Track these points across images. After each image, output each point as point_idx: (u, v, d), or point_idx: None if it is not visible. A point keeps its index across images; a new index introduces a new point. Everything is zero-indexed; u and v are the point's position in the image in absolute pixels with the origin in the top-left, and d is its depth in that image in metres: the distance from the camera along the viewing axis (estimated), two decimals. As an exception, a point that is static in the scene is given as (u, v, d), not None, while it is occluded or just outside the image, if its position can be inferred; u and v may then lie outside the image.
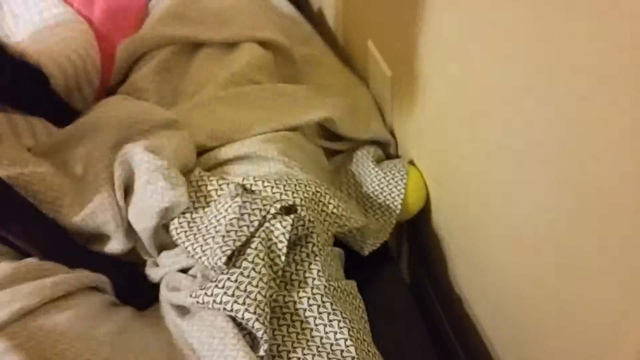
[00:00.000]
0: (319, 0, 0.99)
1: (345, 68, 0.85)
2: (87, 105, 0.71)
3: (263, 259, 0.50)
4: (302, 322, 0.52)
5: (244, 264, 0.49)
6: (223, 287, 0.48)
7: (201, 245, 0.51)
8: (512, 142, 0.47)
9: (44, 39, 0.80)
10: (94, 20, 0.85)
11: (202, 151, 0.61)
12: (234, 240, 0.50)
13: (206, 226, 0.52)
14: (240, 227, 0.50)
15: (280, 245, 0.51)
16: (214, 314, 0.48)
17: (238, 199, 0.52)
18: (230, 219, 0.51)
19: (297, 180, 0.55)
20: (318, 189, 0.56)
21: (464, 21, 0.50)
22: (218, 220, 0.51)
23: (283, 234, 0.51)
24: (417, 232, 0.73)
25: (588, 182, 0.38)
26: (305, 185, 0.55)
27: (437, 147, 0.66)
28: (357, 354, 0.51)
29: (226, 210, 0.52)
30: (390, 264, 0.69)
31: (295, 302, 0.53)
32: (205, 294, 0.48)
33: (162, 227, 0.56)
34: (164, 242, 0.57)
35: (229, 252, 0.50)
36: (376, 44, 0.75)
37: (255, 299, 0.47)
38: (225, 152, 0.59)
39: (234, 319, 0.48)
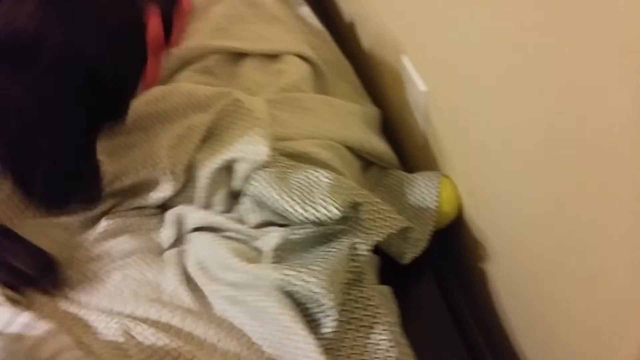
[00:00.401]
0: (350, 14, 1.03)
1: (360, 88, 0.88)
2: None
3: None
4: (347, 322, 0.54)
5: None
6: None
7: (301, 198, 0.54)
8: (549, 156, 0.49)
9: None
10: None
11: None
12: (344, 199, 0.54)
13: (305, 183, 0.54)
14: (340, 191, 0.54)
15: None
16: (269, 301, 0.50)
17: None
18: (330, 183, 0.55)
19: (351, 184, 0.58)
20: (369, 195, 0.59)
21: (500, 36, 0.53)
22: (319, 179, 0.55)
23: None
24: (449, 241, 0.75)
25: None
26: (358, 189, 0.58)
27: (472, 161, 0.68)
28: (398, 356, 0.53)
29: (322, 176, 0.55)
30: (422, 271, 0.71)
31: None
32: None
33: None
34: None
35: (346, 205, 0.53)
36: (411, 60, 0.78)
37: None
38: (281, 148, 0.62)
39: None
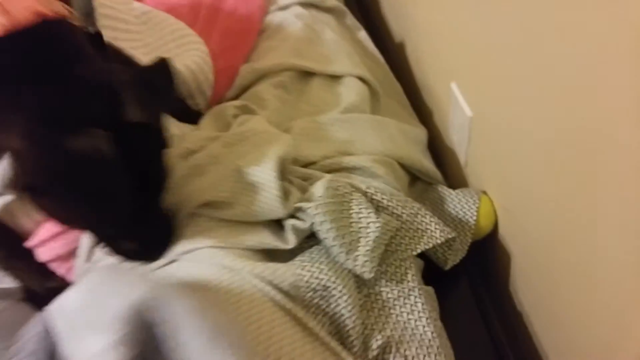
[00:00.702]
0: (401, 35, 1.12)
1: (409, 108, 0.97)
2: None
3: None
4: (389, 308, 0.63)
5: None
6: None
7: (347, 246, 0.63)
8: (583, 179, 0.58)
9: (169, 49, 0.93)
10: (212, 40, 0.99)
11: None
12: (377, 256, 0.63)
13: (356, 228, 0.64)
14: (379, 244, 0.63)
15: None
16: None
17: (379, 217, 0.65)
18: (376, 235, 0.63)
19: (403, 197, 0.67)
20: (419, 207, 0.68)
21: (545, 70, 0.61)
22: (366, 228, 0.64)
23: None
24: (483, 253, 0.84)
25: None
26: (408, 202, 0.67)
27: (509, 180, 0.77)
28: (442, 349, 0.62)
29: (367, 224, 0.64)
30: (458, 277, 0.80)
31: (386, 293, 0.64)
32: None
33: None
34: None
35: (374, 270, 0.62)
36: (459, 87, 0.87)
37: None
38: (346, 162, 0.72)
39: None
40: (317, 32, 0.94)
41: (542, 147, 0.65)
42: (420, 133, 0.89)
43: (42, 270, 0.74)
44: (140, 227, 0.63)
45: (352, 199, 0.66)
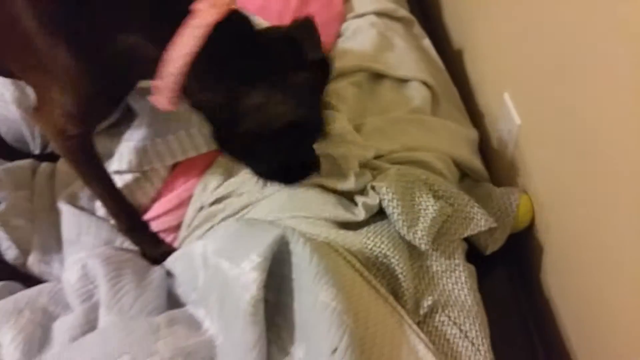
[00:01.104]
0: (460, 43, 1.24)
1: (464, 112, 1.11)
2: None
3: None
4: (438, 278, 0.78)
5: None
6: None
7: (409, 222, 0.78)
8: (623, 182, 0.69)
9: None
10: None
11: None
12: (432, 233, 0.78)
13: (417, 208, 0.79)
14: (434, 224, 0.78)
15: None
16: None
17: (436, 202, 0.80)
18: (433, 215, 0.79)
19: (455, 189, 0.82)
20: (469, 199, 0.82)
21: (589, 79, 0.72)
22: (425, 209, 0.79)
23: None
24: (520, 243, 0.97)
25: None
26: (460, 194, 0.81)
27: (550, 182, 0.89)
28: (478, 314, 0.76)
29: (427, 207, 0.79)
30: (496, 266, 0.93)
31: (436, 266, 0.79)
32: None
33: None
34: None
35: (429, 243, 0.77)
36: (511, 97, 0.98)
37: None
38: (409, 155, 0.88)
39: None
40: (388, 38, 1.07)
41: (581, 156, 0.77)
42: (472, 134, 1.02)
43: (155, 239, 0.91)
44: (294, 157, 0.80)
45: (415, 185, 0.80)
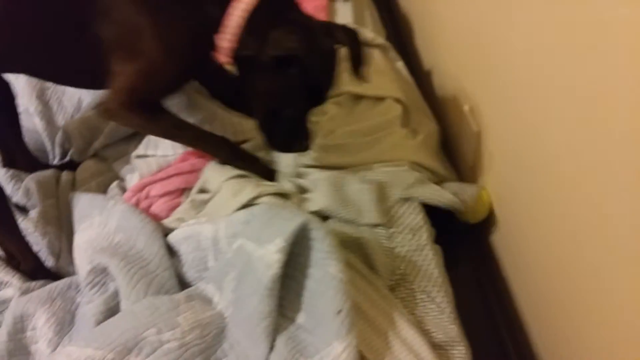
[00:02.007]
0: (430, 64, 1.42)
1: (433, 122, 1.28)
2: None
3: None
4: (409, 256, 0.94)
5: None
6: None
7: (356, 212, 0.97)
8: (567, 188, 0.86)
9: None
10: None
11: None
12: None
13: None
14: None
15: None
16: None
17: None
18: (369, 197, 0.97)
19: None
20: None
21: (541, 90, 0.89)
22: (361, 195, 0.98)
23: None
24: (482, 234, 1.13)
25: None
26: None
27: (503, 179, 1.05)
28: (442, 285, 0.91)
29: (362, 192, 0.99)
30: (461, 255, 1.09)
31: (407, 247, 0.95)
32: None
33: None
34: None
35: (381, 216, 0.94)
36: (470, 108, 1.16)
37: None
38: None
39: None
40: (368, 63, 1.24)
41: (530, 157, 0.93)
42: (434, 132, 1.22)
43: (254, 159, 1.08)
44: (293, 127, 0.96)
45: (345, 181, 1.01)
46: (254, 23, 0.87)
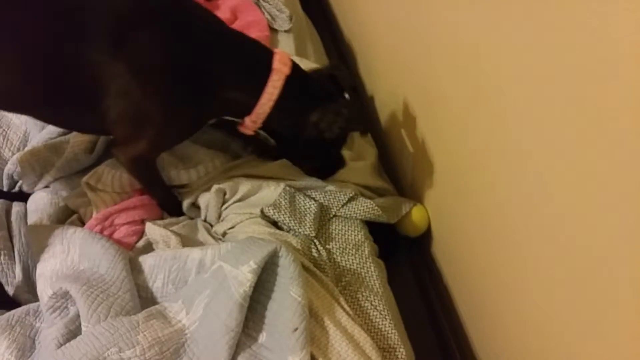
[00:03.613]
0: (372, 90, 1.53)
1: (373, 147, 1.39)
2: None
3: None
4: (353, 271, 1.03)
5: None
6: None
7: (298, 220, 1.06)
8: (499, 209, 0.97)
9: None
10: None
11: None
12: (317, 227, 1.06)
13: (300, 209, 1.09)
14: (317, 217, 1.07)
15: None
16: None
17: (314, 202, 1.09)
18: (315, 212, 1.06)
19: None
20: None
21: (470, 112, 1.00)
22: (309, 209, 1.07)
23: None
24: (423, 246, 1.23)
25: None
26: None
27: (438, 194, 1.16)
28: (383, 295, 1.00)
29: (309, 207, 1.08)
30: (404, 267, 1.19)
31: (350, 263, 1.04)
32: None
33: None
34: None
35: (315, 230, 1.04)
36: (405, 131, 1.26)
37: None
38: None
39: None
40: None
41: (460, 177, 1.05)
42: (374, 156, 1.32)
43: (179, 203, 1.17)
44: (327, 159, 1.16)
45: (295, 196, 1.11)
46: (284, 106, 0.99)
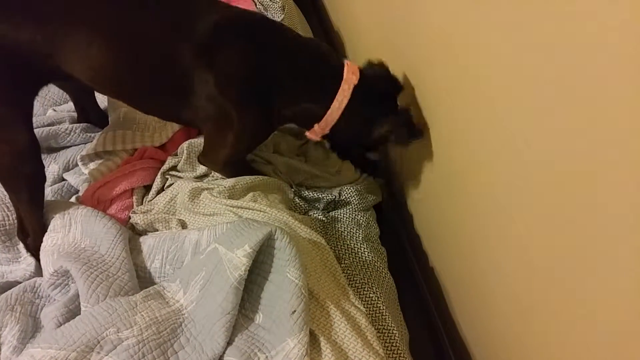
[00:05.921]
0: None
1: None
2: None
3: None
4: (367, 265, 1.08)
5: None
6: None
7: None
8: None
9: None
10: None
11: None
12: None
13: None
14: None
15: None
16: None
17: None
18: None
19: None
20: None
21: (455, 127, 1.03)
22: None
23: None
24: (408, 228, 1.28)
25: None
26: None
27: (418, 184, 1.19)
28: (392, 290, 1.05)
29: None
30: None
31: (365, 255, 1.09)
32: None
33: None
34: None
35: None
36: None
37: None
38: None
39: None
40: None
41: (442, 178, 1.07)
42: None
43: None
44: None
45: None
46: (351, 113, 1.05)
